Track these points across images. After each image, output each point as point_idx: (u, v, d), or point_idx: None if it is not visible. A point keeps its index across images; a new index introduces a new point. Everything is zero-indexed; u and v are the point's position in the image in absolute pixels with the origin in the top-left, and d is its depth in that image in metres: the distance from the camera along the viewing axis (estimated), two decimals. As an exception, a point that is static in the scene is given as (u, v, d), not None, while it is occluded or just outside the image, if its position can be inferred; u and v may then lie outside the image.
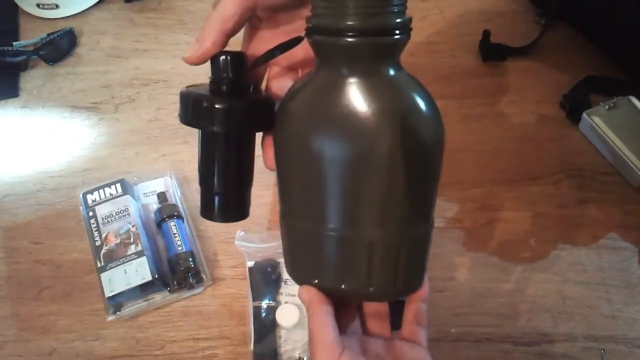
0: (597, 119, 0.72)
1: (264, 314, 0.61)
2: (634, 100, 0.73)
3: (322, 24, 0.34)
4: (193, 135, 0.74)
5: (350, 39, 0.32)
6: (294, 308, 0.61)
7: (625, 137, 0.70)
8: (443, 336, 0.61)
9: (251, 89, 0.39)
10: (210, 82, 0.39)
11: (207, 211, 0.42)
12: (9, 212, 0.71)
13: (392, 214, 0.35)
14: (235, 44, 0.40)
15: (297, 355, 0.59)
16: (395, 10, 0.33)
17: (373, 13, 0.32)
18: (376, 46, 0.33)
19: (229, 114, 0.37)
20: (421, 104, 0.35)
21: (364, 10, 0.32)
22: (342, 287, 0.37)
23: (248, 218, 0.43)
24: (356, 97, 0.33)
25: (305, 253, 0.39)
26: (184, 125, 0.39)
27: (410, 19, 0.34)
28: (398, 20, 0.33)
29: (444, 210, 0.69)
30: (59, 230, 0.69)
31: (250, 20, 0.40)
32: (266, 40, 0.40)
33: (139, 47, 0.85)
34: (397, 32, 0.33)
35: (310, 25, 0.35)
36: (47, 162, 0.75)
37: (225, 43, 0.38)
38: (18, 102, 0.80)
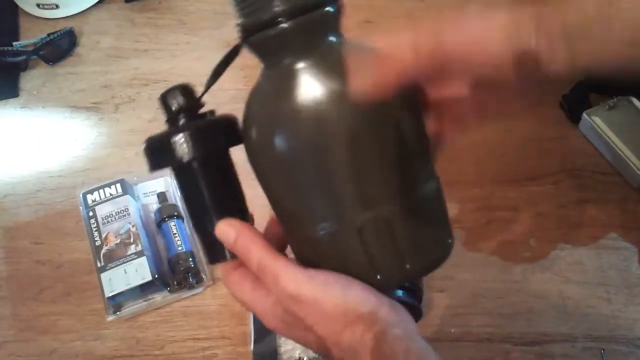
0: (597, 119, 0.72)
1: (264, 314, 0.61)
2: (634, 100, 0.73)
3: (250, 22, 0.33)
4: (193, 135, 0.75)
5: (281, 25, 0.31)
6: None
7: (625, 137, 0.70)
8: (443, 336, 0.61)
9: (208, 115, 0.37)
10: (167, 121, 0.37)
11: (214, 255, 0.37)
12: (9, 212, 0.71)
13: (372, 191, 0.32)
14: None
15: (297, 355, 0.59)
16: None
17: None
18: (309, 24, 0.32)
19: (192, 137, 0.34)
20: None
21: None
22: (378, 277, 0.34)
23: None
24: (302, 84, 0.32)
25: (316, 264, 0.35)
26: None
27: None
28: None
29: (444, 210, 0.69)
30: (59, 230, 0.69)
31: None
32: None
33: (139, 47, 0.85)
34: (325, 4, 0.32)
35: (240, 28, 0.33)
36: (47, 162, 0.75)
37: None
38: (18, 102, 0.80)
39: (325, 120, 0.31)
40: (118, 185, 0.67)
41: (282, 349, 0.60)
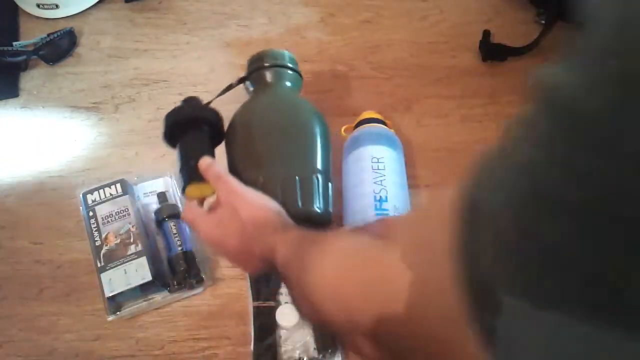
0: (597, 119, 0.72)
1: (264, 314, 0.61)
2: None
3: (250, 69, 0.68)
4: (193, 135, 0.75)
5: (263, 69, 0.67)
6: (294, 308, 0.61)
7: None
8: (443, 336, 0.61)
9: None
10: None
11: (188, 178, 0.56)
12: (9, 212, 0.71)
13: (289, 159, 0.60)
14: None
15: (297, 355, 0.59)
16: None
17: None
18: (279, 72, 0.67)
19: (195, 106, 0.62)
20: (292, 101, 0.66)
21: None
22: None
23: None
24: (255, 101, 0.65)
25: None
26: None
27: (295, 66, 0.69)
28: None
29: (444, 210, 0.69)
30: (59, 230, 0.69)
31: None
32: None
33: (139, 47, 0.85)
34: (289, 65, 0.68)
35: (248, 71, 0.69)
36: (47, 162, 0.75)
37: None
38: (18, 102, 0.80)
39: (262, 115, 0.63)
40: (118, 185, 0.67)
41: (282, 349, 0.60)
